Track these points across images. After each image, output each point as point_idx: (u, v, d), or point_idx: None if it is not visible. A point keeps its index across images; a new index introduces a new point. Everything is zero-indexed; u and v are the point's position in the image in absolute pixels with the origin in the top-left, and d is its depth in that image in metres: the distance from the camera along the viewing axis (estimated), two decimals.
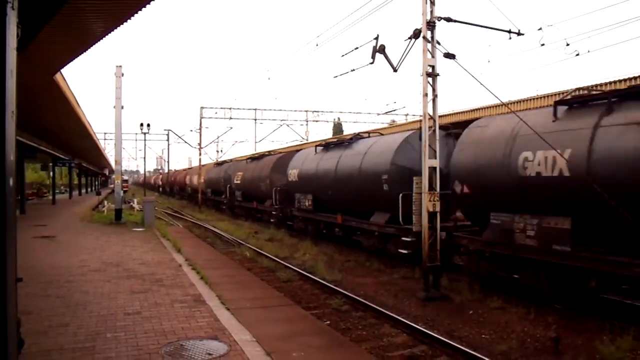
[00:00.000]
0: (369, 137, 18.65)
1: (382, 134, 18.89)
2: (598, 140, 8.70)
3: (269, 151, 32.77)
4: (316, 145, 21.78)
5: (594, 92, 9.94)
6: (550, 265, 9.59)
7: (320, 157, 20.20)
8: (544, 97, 17.51)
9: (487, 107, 20.16)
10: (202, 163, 47.95)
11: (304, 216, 21.53)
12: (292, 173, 22.59)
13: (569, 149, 9.09)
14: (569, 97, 10.16)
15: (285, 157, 26.43)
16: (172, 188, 70.91)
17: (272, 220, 25.89)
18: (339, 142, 20.41)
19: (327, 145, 20.67)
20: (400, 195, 13.96)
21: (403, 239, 13.96)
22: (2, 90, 3.60)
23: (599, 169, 8.56)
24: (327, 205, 19.34)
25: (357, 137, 19.15)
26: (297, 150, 25.76)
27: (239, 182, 32.46)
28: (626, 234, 8.37)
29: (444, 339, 8.06)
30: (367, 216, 16.36)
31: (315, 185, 20.03)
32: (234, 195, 34.19)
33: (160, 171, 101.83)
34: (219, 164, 42.49)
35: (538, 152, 9.72)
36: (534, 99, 17.97)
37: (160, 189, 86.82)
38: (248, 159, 33.53)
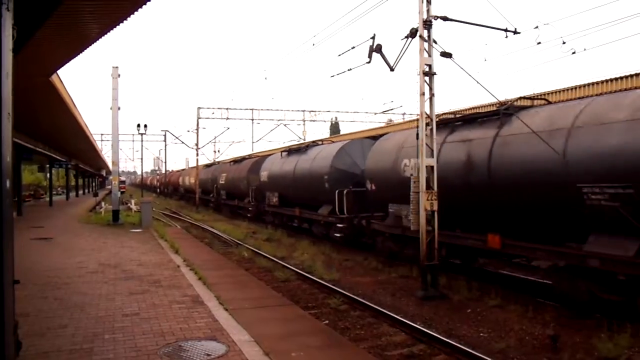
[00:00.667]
0: (322, 144, 22.35)
1: (333, 141, 22.88)
2: (443, 152, 12.63)
3: (249, 155, 36.75)
4: (282, 151, 25.98)
5: (445, 118, 14.25)
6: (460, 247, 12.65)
7: (284, 161, 24.19)
8: (545, 95, 17.52)
9: (485, 106, 20.17)
10: (199, 164, 47.92)
11: (273, 211, 25.47)
12: (264, 174, 26.61)
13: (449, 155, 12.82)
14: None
15: (260, 160, 30.08)
16: (167, 188, 74.33)
17: (248, 215, 29.91)
18: (298, 148, 24.30)
19: (289, 151, 24.66)
20: (337, 191, 17.73)
21: (337, 225, 17.97)
22: None
23: (442, 173, 11.94)
24: (290, 201, 23.34)
25: (313, 144, 23.12)
26: (269, 155, 29.84)
27: (223, 182, 36.47)
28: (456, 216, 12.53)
29: (443, 338, 8.07)
30: (317, 209, 20.16)
31: (280, 185, 24.19)
32: (219, 194, 38.18)
33: (158, 172, 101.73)
34: (208, 165, 45.43)
35: (412, 159, 12.94)
36: (531, 97, 17.98)
37: (158, 189, 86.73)
38: (231, 161, 37.64)
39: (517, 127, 10.74)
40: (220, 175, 37.86)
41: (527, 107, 11.88)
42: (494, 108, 12.80)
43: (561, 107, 10.62)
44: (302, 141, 44.50)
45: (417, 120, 11.75)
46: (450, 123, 13.37)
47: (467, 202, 11.93)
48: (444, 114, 16.84)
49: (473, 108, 21.02)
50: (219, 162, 43.78)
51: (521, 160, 10.35)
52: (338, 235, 17.90)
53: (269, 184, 25.84)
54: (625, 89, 13.81)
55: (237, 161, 35.88)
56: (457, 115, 14.63)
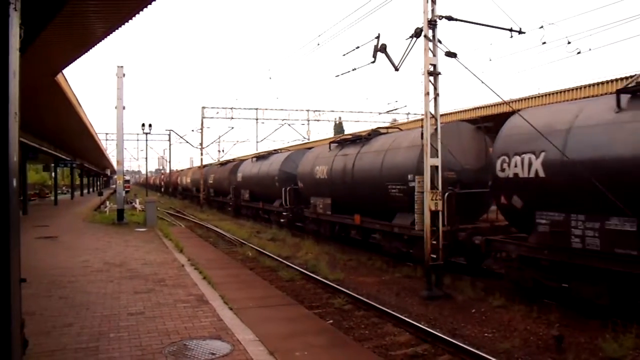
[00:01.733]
0: (280, 152, 28.60)
1: (289, 150, 28.75)
2: (357, 162, 17.11)
3: (233, 159, 42.23)
4: (252, 157, 32.83)
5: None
6: (335, 223, 19.27)
7: (252, 165, 30.54)
8: (546, 95, 17.50)
9: (489, 106, 20.14)
10: (204, 163, 48.03)
11: (246, 205, 31.73)
12: (239, 176, 32.81)
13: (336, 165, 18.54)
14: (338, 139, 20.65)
15: (238, 163, 35.79)
16: (168, 188, 78.08)
17: (229, 208, 36.40)
18: (262, 155, 30.68)
19: (258, 157, 30.89)
20: (283, 189, 23.85)
21: (283, 213, 24.18)
22: (5, 92, 3.61)
23: (356, 176, 17.14)
24: (256, 196, 29.36)
25: (274, 152, 29.62)
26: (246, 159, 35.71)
27: (212, 182, 42.58)
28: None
29: (447, 338, 8.06)
30: (273, 203, 26.45)
31: (250, 184, 30.31)
32: (209, 191, 43.93)
33: (162, 171, 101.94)
34: (201, 167, 48.82)
35: (322, 165, 19.60)
36: (535, 97, 17.96)
37: (162, 189, 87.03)
38: (218, 164, 44.20)
39: (367, 147, 17.06)
40: (209, 175, 44.18)
41: (382, 134, 17.77)
42: (495, 109, 16.92)
43: (388, 136, 16.84)
44: (305, 141, 44.59)
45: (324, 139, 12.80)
46: (339, 142, 19.81)
47: (346, 195, 17.95)
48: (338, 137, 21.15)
49: (477, 108, 20.99)
50: (210, 165, 47.96)
51: (366, 168, 16.37)
52: (283, 220, 24.45)
53: (243, 184, 32.17)
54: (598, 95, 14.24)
55: (222, 164, 42.57)
56: (343, 138, 20.67)
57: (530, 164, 9.96)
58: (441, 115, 11.90)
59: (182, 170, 71.03)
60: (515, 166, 10.24)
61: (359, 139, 18.10)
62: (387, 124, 40.89)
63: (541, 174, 9.67)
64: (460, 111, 21.96)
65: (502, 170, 10.57)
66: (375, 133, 17.86)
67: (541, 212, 9.69)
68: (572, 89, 16.47)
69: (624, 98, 8.81)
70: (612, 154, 8.52)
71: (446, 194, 11.96)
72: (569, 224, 9.10)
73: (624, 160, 8.30)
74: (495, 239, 11.19)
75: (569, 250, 9.12)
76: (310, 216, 21.02)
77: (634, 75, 14.06)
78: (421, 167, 11.85)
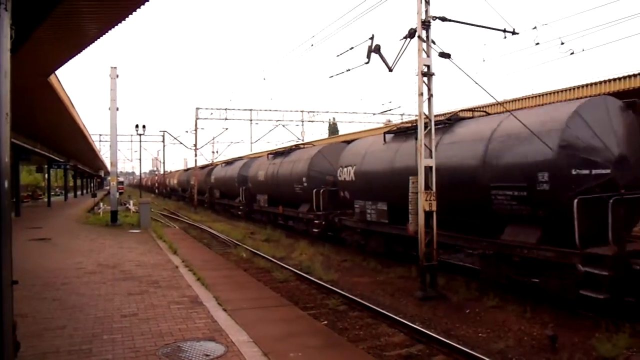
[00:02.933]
0: (241, 159, 36.80)
1: (253, 158, 34.26)
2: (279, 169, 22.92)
3: (213, 163, 48.36)
4: (222, 163, 42.13)
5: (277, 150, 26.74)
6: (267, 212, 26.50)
7: (221, 170, 39.21)
8: (538, 96, 17.57)
9: (483, 107, 20.18)
10: (197, 164, 47.94)
11: (218, 202, 39.37)
12: (212, 178, 40.84)
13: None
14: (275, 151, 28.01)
15: (213, 167, 43.36)
16: (164, 189, 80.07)
17: (205, 204, 43.60)
18: (227, 163, 39.28)
19: (226, 163, 39.04)
20: (240, 188, 30.58)
21: (240, 207, 31.03)
22: None
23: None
24: (227, 195, 36.41)
25: (238, 159, 37.47)
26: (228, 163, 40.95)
27: (193, 183, 47.70)
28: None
29: (441, 338, 8.07)
30: (234, 199, 33.44)
31: (221, 185, 38.10)
32: (191, 192, 48.64)
33: (156, 173, 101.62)
34: (185, 170, 56.79)
35: (262, 171, 26.68)
36: (527, 98, 18.03)
37: (156, 190, 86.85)
38: (201, 167, 48.64)
39: (287, 158, 24.14)
40: (191, 178, 49.60)
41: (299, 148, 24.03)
42: (491, 108, 15.36)
43: (300, 151, 23.52)
44: (299, 141, 44.72)
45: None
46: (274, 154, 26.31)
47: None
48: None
49: (471, 110, 21.03)
50: (193, 168, 50.64)
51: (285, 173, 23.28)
52: (239, 212, 31.66)
53: (215, 185, 39.77)
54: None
55: (202, 167, 48.17)
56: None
57: (349, 172, 16.80)
58: (435, 116, 11.91)
59: (170, 173, 75.28)
60: (343, 172, 17.29)
61: (281, 153, 25.17)
62: (381, 125, 40.95)
63: (353, 178, 16.50)
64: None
65: (339, 175, 17.66)
66: (295, 148, 23.93)
67: (356, 200, 16.39)
68: (567, 89, 16.55)
69: (388, 136, 15.70)
70: (379, 168, 15.23)
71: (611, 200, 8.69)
72: (365, 206, 15.80)
73: (383, 171, 14.90)
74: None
75: (367, 222, 15.84)
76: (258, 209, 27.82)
77: (622, 77, 14.15)
78: (310, 174, 20.44)
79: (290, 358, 6.61)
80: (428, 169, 11.48)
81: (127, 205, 36.52)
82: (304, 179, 21.14)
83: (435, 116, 11.89)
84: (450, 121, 13.33)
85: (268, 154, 27.09)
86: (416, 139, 11.60)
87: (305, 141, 36.30)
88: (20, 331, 5.54)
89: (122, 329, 7.05)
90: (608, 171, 9.42)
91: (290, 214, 23.41)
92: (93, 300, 8.79)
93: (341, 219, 17.87)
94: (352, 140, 19.52)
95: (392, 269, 14.08)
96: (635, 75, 14.38)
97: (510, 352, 7.75)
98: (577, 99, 13.12)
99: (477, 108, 16.08)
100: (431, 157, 11.52)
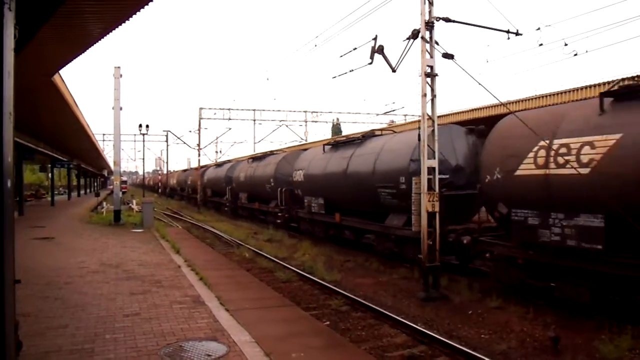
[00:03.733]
0: (230, 162, 40.60)
1: (239, 161, 36.94)
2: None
3: (202, 166, 49.34)
4: (215, 165, 46.34)
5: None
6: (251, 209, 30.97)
7: (212, 171, 43.54)
8: (544, 96, 17.53)
9: (486, 107, 20.16)
10: (201, 164, 48.04)
11: (210, 199, 43.28)
12: (205, 179, 45.35)
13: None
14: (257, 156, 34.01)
15: (206, 169, 47.53)
16: (164, 188, 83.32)
17: (198, 204, 45.68)
18: (217, 165, 43.58)
19: (217, 165, 43.73)
20: (227, 187, 35.07)
21: (226, 204, 35.12)
22: None
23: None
24: (218, 193, 40.04)
25: (227, 161, 41.17)
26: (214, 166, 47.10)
27: (190, 183, 55.01)
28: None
29: (444, 339, 8.06)
30: (223, 196, 37.44)
31: (210, 185, 43.04)
32: (188, 190, 55.89)
33: (160, 172, 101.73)
34: (184, 171, 63.43)
35: (243, 172, 31.44)
36: (530, 99, 17.99)
37: (159, 190, 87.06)
38: (192, 169, 56.07)
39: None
40: (188, 178, 56.90)
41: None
42: (493, 110, 17.60)
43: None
44: (303, 142, 44.63)
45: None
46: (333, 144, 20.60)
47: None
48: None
49: (473, 110, 21.02)
50: (190, 169, 56.34)
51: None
52: (226, 209, 36.65)
53: (207, 184, 44.35)
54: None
55: (191, 170, 57.01)
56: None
57: (300, 175, 21.29)
58: (438, 117, 11.90)
59: (171, 173, 78.91)
60: (297, 175, 21.80)
61: (258, 158, 25.29)
62: (384, 125, 40.93)
63: (303, 179, 21.18)
64: (454, 113, 22.01)
65: (294, 177, 22.05)
66: (269, 154, 23.93)
67: (307, 197, 20.52)
68: (570, 90, 16.51)
69: (326, 147, 20.01)
70: (319, 171, 19.61)
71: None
72: (311, 202, 20.04)
73: (322, 174, 19.25)
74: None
75: (312, 212, 20.42)
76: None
77: (614, 80, 14.10)
78: (276, 176, 21.11)
79: (292, 358, 6.60)
80: (431, 170, 11.46)
81: (130, 204, 36.59)
82: (271, 180, 25.78)
83: (350, 135, 19.20)
84: (363, 138, 18.09)
85: (248, 158, 32.83)
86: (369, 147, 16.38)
87: (278, 148, 38.41)
88: (22, 330, 5.55)
89: (124, 329, 7.06)
90: (447, 176, 13.29)
91: (264, 209, 27.73)
92: (95, 299, 8.81)
93: (297, 211, 22.31)
94: (306, 149, 24.92)
95: (395, 269, 14.07)
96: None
97: (513, 353, 7.74)
98: (584, 99, 13.14)
99: (390, 127, 22.99)
100: (434, 158, 11.50)
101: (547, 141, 9.42)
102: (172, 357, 5.96)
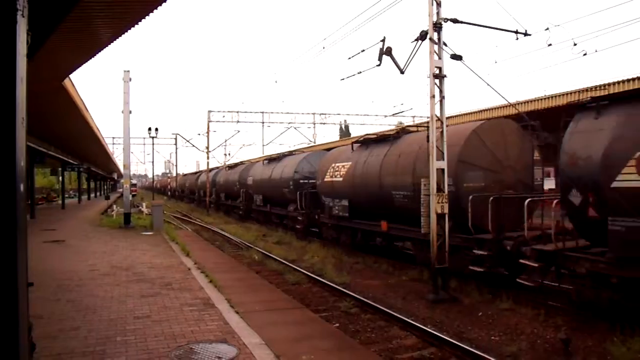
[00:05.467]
0: (243, 164, 39.31)
1: (253, 163, 36.09)
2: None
3: (212, 168, 50.54)
4: (208, 171, 48.16)
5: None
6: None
7: (225, 173, 42.86)
8: (552, 97, 17.46)
9: (495, 108, 20.11)
10: (210, 167, 48.21)
11: (223, 203, 42.44)
12: (219, 181, 45.18)
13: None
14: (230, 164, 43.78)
15: (200, 174, 55.71)
16: (171, 191, 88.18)
17: (194, 201, 55.83)
18: (230, 167, 43.11)
19: (230, 167, 42.88)
20: (241, 190, 34.11)
21: (240, 207, 33.97)
22: (12, 97, 3.63)
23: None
24: (230, 196, 39.69)
25: (239, 164, 41.64)
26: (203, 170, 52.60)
27: (187, 185, 62.86)
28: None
29: (454, 341, 8.04)
30: (236, 199, 36.76)
31: (223, 188, 42.24)
32: (199, 193, 55.64)
33: (169, 175, 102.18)
34: (184, 175, 70.80)
35: (258, 174, 30.46)
36: (542, 99, 17.91)
37: (169, 192, 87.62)
38: (203, 171, 56.90)
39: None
40: (187, 181, 65.33)
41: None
42: (502, 111, 17.63)
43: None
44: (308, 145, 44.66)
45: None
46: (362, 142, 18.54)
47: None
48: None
49: (484, 110, 20.96)
50: (190, 173, 60.46)
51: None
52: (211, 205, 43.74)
53: (219, 187, 43.82)
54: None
55: (190, 174, 65.33)
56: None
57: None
58: (447, 118, 11.87)
59: (175, 176, 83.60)
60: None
61: (275, 159, 24.66)
62: (392, 127, 40.85)
63: (252, 183, 30.99)
64: (463, 114, 21.96)
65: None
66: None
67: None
68: (579, 91, 16.43)
69: (355, 146, 18.46)
70: (259, 177, 29.92)
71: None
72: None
73: (268, 180, 27.68)
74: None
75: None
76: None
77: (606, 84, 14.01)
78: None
79: None
80: (440, 172, 11.44)
81: (140, 207, 36.78)
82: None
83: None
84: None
85: (264, 159, 30.84)
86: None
87: (295, 149, 37.86)
88: (36, 332, 5.61)
89: (135, 331, 7.10)
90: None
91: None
92: (107, 302, 8.86)
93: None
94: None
95: (404, 271, 14.05)
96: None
97: (523, 355, 7.70)
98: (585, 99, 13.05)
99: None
100: (443, 160, 11.48)
101: None
102: (182, 359, 5.99)
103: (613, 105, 8.80)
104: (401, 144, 15.59)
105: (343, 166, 18.39)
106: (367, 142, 17.84)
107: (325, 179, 19.66)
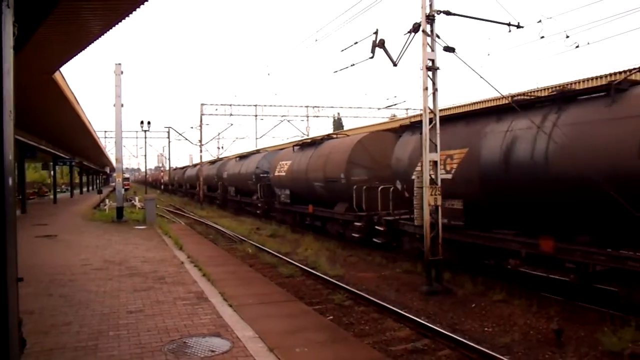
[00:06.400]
0: (256, 153, 35.18)
1: (273, 151, 33.97)
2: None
3: (218, 157, 51.83)
4: (208, 162, 49.81)
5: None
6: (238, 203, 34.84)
7: (237, 164, 37.48)
8: (544, 89, 17.47)
9: (488, 100, 20.13)
10: (203, 160, 48.05)
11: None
12: (227, 174, 41.33)
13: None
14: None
15: (186, 169, 61.87)
16: (164, 185, 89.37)
17: (181, 192, 60.29)
18: (240, 157, 39.28)
19: (240, 157, 38.54)
20: (202, 185, 44.39)
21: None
22: None
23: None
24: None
25: (254, 152, 37.02)
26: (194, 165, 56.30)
27: (176, 179, 68.87)
28: None
29: (447, 333, 8.07)
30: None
31: (234, 181, 37.18)
32: (183, 186, 63.31)
33: (162, 169, 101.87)
34: (174, 169, 75.33)
35: (285, 166, 24.20)
36: (534, 91, 17.93)
37: (162, 186, 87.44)
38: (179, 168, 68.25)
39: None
40: (178, 175, 69.21)
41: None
42: (495, 103, 16.97)
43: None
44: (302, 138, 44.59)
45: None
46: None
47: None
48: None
49: (475, 103, 20.99)
50: (179, 167, 61.81)
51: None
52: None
53: (228, 181, 40.50)
54: None
55: (177, 169, 70.93)
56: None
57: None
58: (440, 110, 11.86)
59: (163, 171, 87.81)
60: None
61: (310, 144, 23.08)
62: (386, 119, 40.88)
63: (227, 177, 36.54)
64: (457, 106, 22.01)
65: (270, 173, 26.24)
66: (327, 138, 22.48)
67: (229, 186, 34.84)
68: (570, 83, 16.45)
69: (238, 157, 34.97)
70: (232, 172, 35.61)
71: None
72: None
73: (238, 174, 33.76)
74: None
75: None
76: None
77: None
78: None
79: (296, 353, 6.61)
80: (433, 164, 11.44)
81: (133, 201, 36.63)
82: (253, 176, 26.53)
83: (179, 167, 27.44)
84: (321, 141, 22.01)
85: (293, 145, 24.85)
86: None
87: (260, 147, 39.85)
88: (26, 328, 5.58)
89: (128, 325, 7.07)
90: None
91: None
92: (99, 296, 8.82)
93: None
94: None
95: (398, 263, 14.09)
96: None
97: (516, 346, 7.74)
98: (581, 90, 13.08)
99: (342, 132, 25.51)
100: (436, 152, 11.47)
101: None
102: (176, 354, 5.97)
103: (414, 127, 14.67)
104: (321, 148, 20.86)
105: (286, 164, 23.63)
106: (302, 145, 23.57)
107: (275, 174, 25.04)
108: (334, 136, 22.63)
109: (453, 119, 13.06)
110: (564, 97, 9.94)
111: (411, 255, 13.95)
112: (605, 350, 7.32)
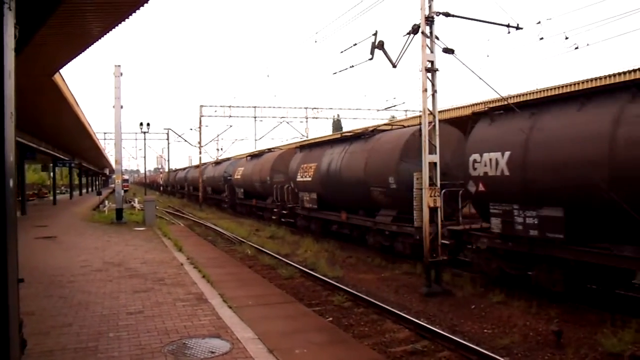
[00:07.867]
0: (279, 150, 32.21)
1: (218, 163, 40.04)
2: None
3: (218, 158, 51.46)
4: (212, 162, 48.39)
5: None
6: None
7: (248, 164, 34.54)
8: (545, 90, 17.48)
9: (487, 102, 20.12)
10: (202, 162, 48.04)
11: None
12: (238, 176, 37.77)
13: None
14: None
15: (177, 171, 66.70)
16: (163, 186, 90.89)
17: (182, 193, 58.65)
18: (184, 168, 53.95)
19: (252, 156, 35.47)
20: (202, 186, 44.60)
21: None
22: (0, 92, 3.59)
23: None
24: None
25: (267, 151, 33.64)
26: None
27: (173, 181, 68.76)
28: None
29: (447, 334, 8.08)
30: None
31: (245, 183, 33.94)
32: (175, 187, 66.36)
33: (161, 170, 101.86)
34: (170, 171, 75.35)
35: (231, 173, 35.03)
36: (531, 93, 17.94)
37: (161, 188, 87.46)
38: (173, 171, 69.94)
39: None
40: (174, 178, 70.72)
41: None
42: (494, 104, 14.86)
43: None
44: (303, 138, 44.56)
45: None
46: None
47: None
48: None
49: (473, 105, 20.98)
50: (180, 169, 62.56)
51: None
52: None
53: (237, 182, 36.56)
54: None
55: (174, 170, 73.23)
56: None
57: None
58: (439, 112, 11.88)
59: (161, 173, 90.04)
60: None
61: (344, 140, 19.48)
62: (385, 121, 40.88)
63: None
64: (455, 108, 22.01)
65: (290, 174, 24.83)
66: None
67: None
68: (572, 84, 16.46)
69: (249, 157, 32.21)
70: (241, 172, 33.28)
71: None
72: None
73: (252, 176, 30.36)
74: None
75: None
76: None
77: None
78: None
79: (295, 354, 6.62)
80: (432, 165, 11.46)
81: (132, 203, 36.61)
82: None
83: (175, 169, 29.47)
84: (180, 170, 32.89)
85: (247, 156, 27.23)
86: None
87: (273, 146, 36.57)
88: (27, 329, 5.58)
89: (128, 327, 7.07)
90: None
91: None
92: (99, 298, 8.82)
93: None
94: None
95: (397, 265, 14.08)
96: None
97: (516, 347, 7.75)
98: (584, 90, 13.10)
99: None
100: (435, 153, 11.49)
101: None
102: (175, 355, 5.97)
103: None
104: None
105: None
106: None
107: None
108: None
109: (311, 146, 21.31)
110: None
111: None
112: (605, 351, 7.33)
